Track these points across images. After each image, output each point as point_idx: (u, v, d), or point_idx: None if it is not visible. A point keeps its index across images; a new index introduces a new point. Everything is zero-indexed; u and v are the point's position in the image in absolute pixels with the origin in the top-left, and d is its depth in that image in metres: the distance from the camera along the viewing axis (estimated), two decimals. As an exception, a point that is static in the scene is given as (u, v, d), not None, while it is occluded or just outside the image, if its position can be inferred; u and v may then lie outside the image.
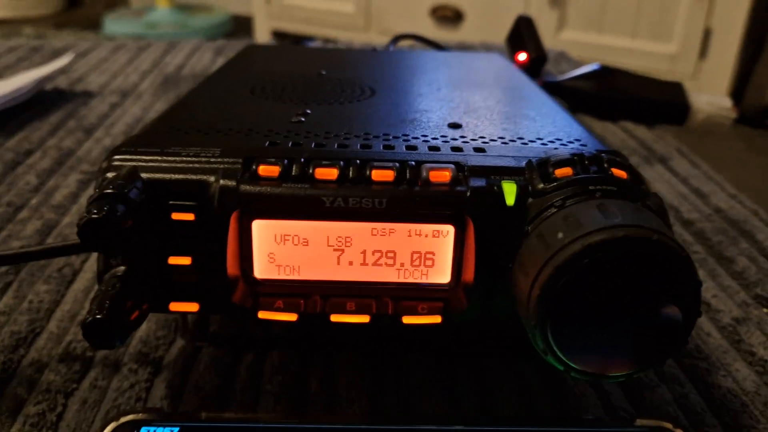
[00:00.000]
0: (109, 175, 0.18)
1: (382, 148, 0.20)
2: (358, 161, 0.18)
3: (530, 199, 0.18)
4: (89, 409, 0.20)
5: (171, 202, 0.18)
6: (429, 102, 0.26)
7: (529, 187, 0.18)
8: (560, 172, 0.18)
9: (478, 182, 0.18)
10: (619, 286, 0.16)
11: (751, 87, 1.62)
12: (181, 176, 0.18)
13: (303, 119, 0.23)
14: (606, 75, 0.46)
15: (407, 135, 0.21)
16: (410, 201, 0.18)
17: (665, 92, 0.45)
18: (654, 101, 0.45)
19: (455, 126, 0.23)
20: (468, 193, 0.18)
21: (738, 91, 1.60)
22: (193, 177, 0.18)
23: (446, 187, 0.18)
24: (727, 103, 0.45)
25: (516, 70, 0.34)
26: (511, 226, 0.18)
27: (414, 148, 0.20)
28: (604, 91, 0.45)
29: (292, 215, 0.18)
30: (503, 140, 0.21)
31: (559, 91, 0.46)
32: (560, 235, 0.16)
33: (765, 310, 0.25)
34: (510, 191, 0.18)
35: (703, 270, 0.27)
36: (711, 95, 0.46)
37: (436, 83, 0.29)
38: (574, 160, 0.18)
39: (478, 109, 0.25)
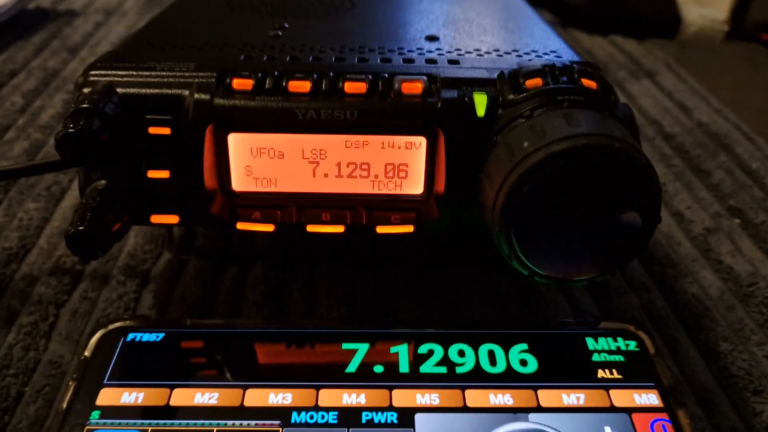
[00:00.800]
0: (86, 90, 0.18)
1: (356, 61, 0.20)
2: (331, 74, 0.19)
3: (500, 110, 0.18)
4: (80, 319, 0.21)
5: (147, 117, 0.18)
6: (408, 15, 0.26)
7: (500, 98, 0.18)
8: (530, 82, 0.18)
9: (450, 94, 0.18)
10: (581, 193, 0.16)
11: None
12: (155, 91, 0.18)
13: (279, 33, 0.23)
14: (598, -12, 0.45)
15: (383, 48, 0.21)
16: (382, 112, 0.18)
17: (656, 5, 0.45)
18: (644, 14, 0.44)
19: (432, 38, 0.22)
20: (439, 104, 0.18)
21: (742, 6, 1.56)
22: (168, 91, 0.18)
23: (418, 98, 0.18)
24: (720, 15, 0.44)
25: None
26: (481, 137, 0.18)
27: (388, 60, 0.20)
28: (594, 4, 0.44)
29: (267, 128, 0.19)
30: (479, 52, 0.21)
31: (549, 4, 0.45)
32: (525, 144, 0.16)
33: (737, 221, 0.26)
34: (481, 102, 0.18)
35: (679, 182, 0.28)
36: (703, 7, 0.45)
37: None
38: (545, 71, 0.18)
39: (457, 21, 0.25)
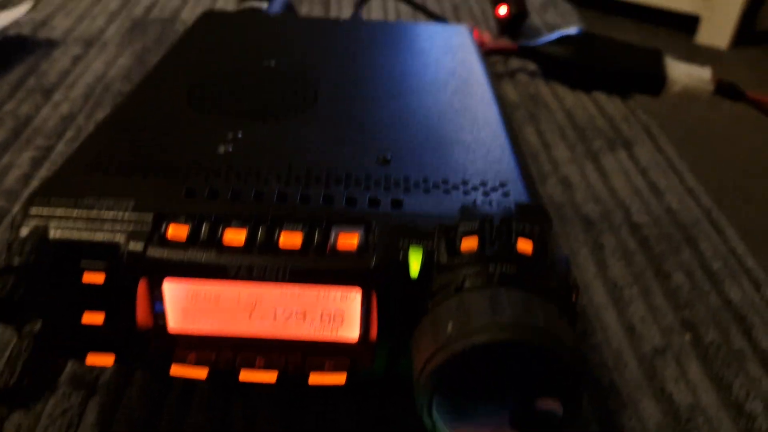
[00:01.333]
0: (22, 232, 0.18)
1: (298, 199, 0.20)
2: (268, 221, 0.19)
3: (435, 272, 0.18)
4: (21, 438, 0.21)
5: (82, 263, 0.18)
6: (367, 115, 0.25)
7: (435, 256, 0.18)
8: (466, 244, 0.18)
9: (384, 250, 0.18)
10: (501, 379, 0.16)
11: (766, 8, 1.55)
12: (91, 238, 0.18)
13: (230, 149, 0.23)
14: (584, 41, 0.44)
15: (330, 174, 0.21)
16: (315, 272, 0.18)
17: (643, 61, 0.44)
18: (630, 71, 0.44)
19: (384, 161, 0.22)
20: (372, 263, 0.18)
21: (751, 12, 1.53)
22: (103, 239, 0.18)
23: (352, 255, 0.18)
24: (706, 74, 0.44)
25: (473, 55, 0.33)
26: (414, 296, 0.18)
27: (330, 200, 0.20)
28: (580, 59, 0.43)
29: (202, 276, 0.19)
30: (426, 185, 0.21)
31: (534, 56, 0.44)
32: (449, 326, 0.16)
33: (687, 336, 0.26)
34: (415, 261, 0.18)
35: (637, 286, 0.28)
36: (690, 65, 0.44)
37: (381, 81, 0.28)
38: (483, 229, 0.18)
39: (414, 129, 0.24)
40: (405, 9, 0.54)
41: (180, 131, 0.24)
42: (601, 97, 0.43)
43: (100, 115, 0.39)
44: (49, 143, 0.36)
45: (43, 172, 0.33)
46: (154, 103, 0.26)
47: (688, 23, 1.58)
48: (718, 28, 1.51)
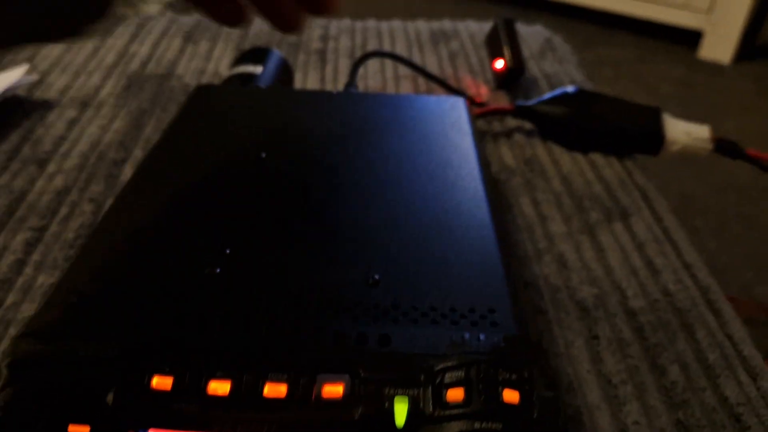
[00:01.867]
0: (3, 376, 0.18)
1: (286, 338, 0.20)
2: (253, 371, 0.18)
3: (421, 423, 0.18)
4: None
5: (67, 415, 0.18)
6: (357, 220, 0.25)
7: (421, 405, 0.18)
8: (452, 395, 0.18)
9: (370, 399, 0.18)
10: None
11: (769, 20, 1.54)
12: (75, 389, 0.18)
13: (218, 270, 0.23)
14: (581, 100, 0.44)
15: (318, 301, 0.21)
16: (298, 425, 0.18)
17: (641, 120, 0.44)
18: (627, 132, 0.43)
19: (374, 284, 0.22)
20: (358, 414, 0.18)
21: (755, 26, 1.53)
22: (87, 390, 0.18)
23: (337, 405, 0.18)
24: (704, 133, 0.43)
25: (467, 137, 0.33)
26: (402, 448, 0.18)
27: (318, 336, 0.20)
28: (578, 120, 0.43)
29: (187, 429, 0.18)
30: (414, 313, 0.21)
31: (530, 116, 0.44)
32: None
33: (683, 442, 0.25)
34: (401, 411, 0.18)
35: (631, 384, 0.28)
36: (689, 123, 0.44)
37: (373, 173, 0.28)
38: (469, 378, 0.18)
39: (404, 239, 0.24)
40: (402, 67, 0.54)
41: (164, 250, 0.24)
42: (598, 159, 0.42)
43: (94, 188, 0.39)
44: (43, 223, 0.36)
45: (37, 257, 0.33)
46: (138, 215, 0.26)
47: (690, 37, 1.58)
48: (720, 43, 1.51)
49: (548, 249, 0.35)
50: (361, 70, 0.52)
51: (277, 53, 0.46)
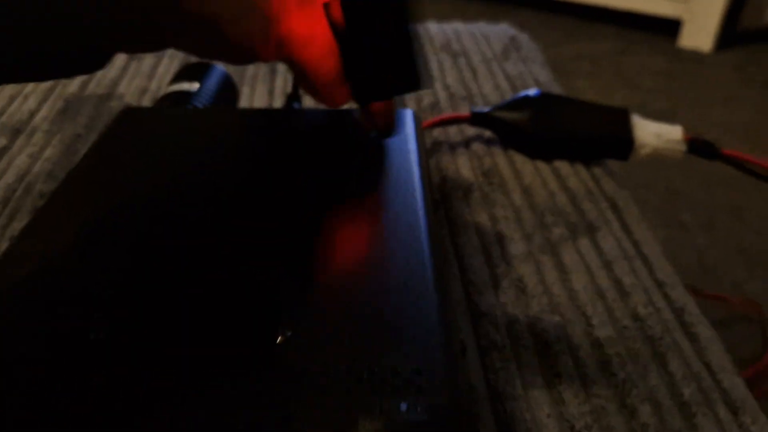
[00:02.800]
0: None
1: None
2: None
3: None
4: None
5: None
6: (267, 275, 0.22)
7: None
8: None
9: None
10: None
11: (749, 5, 1.51)
12: None
13: (102, 333, 0.19)
14: (543, 104, 0.41)
15: (212, 377, 0.18)
16: None
17: (608, 124, 0.41)
18: (593, 137, 0.40)
19: (281, 340, 0.19)
20: None
21: (733, 13, 1.50)
22: None
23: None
24: (677, 134, 0.40)
25: (412, 156, 0.30)
26: None
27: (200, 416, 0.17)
28: (539, 126, 0.40)
29: None
30: (327, 376, 0.18)
31: (488, 124, 0.41)
32: None
33: (655, 497, 0.22)
34: None
35: (597, 427, 0.25)
36: (660, 124, 0.41)
37: (297, 212, 0.25)
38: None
39: (322, 293, 0.21)
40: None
41: (58, 300, 0.21)
42: (563, 167, 0.39)
43: (16, 225, 0.35)
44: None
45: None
46: (24, 269, 0.23)
47: (669, 27, 1.55)
48: (700, 31, 1.48)
49: (506, 273, 0.32)
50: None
51: (218, 69, 0.43)
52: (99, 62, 0.25)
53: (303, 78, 0.28)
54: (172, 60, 0.53)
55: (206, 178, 0.28)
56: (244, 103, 0.47)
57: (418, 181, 0.28)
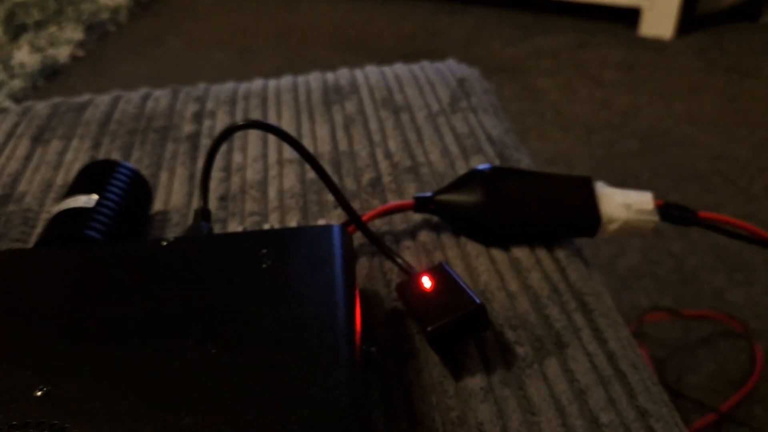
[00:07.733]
0: None
1: None
2: None
3: None
4: None
5: None
6: None
7: None
8: None
9: None
10: None
11: (707, -11, 1.47)
12: None
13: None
14: (495, 182, 0.36)
15: None
16: None
17: (569, 198, 0.36)
18: (554, 218, 0.36)
19: None
20: None
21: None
22: None
23: None
24: (647, 203, 0.36)
25: (331, 290, 0.25)
26: None
27: None
28: (491, 210, 0.35)
29: None
30: None
31: (435, 210, 0.36)
32: None
33: None
34: None
35: None
36: (627, 191, 0.36)
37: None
38: None
39: None
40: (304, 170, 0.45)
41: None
42: (523, 258, 0.35)
43: None
44: None
45: None
46: None
47: (629, 15, 1.51)
48: (660, 18, 1.44)
49: (462, 420, 0.27)
50: (238, 157, 0.44)
51: (124, 168, 0.38)
52: None
53: None
54: (82, 140, 0.47)
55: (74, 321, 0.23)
56: (162, 192, 0.42)
57: (343, 320, 0.23)
